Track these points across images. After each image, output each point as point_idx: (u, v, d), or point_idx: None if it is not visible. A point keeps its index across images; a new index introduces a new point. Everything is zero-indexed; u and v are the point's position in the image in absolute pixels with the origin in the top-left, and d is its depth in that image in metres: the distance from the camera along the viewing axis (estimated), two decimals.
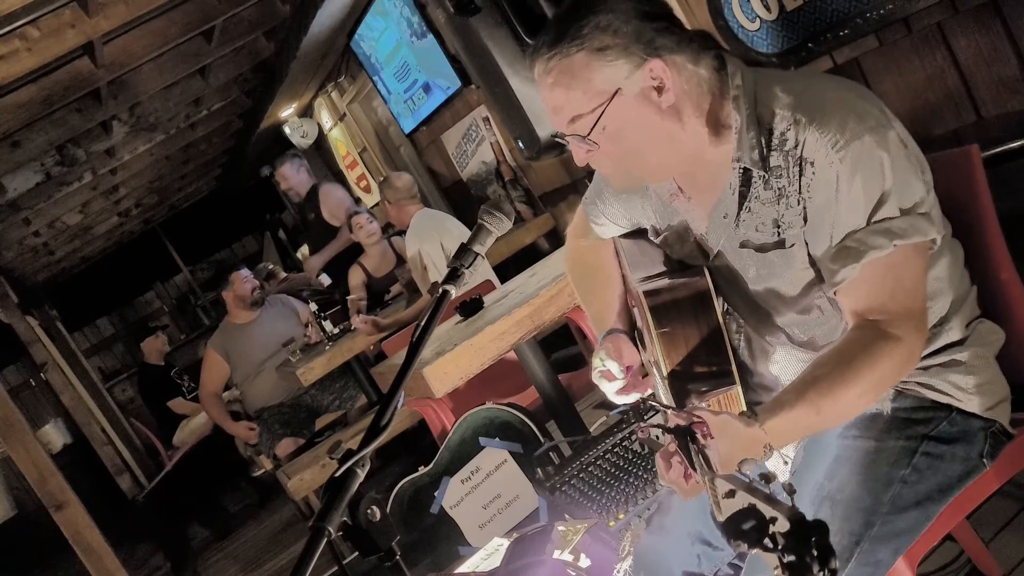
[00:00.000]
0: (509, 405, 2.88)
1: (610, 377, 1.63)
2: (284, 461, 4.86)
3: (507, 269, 4.61)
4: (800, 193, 1.37)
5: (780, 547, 0.92)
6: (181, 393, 7.98)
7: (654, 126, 1.39)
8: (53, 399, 8.22)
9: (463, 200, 5.94)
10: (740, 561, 1.64)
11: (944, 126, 2.52)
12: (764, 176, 1.40)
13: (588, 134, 1.39)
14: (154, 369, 8.17)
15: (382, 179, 4.86)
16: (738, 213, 1.45)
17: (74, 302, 10.66)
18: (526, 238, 4.98)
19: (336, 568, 1.16)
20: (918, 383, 1.45)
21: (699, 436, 1.22)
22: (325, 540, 1.08)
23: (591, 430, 2.75)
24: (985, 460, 1.46)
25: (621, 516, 2.16)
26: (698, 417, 1.26)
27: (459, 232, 4.48)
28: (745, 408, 1.51)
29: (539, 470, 2.33)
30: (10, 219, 6.04)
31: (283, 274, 7.14)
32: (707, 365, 1.50)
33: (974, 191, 1.58)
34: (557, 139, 1.46)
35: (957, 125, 2.48)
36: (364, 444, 1.15)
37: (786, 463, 1.57)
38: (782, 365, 1.57)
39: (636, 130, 1.39)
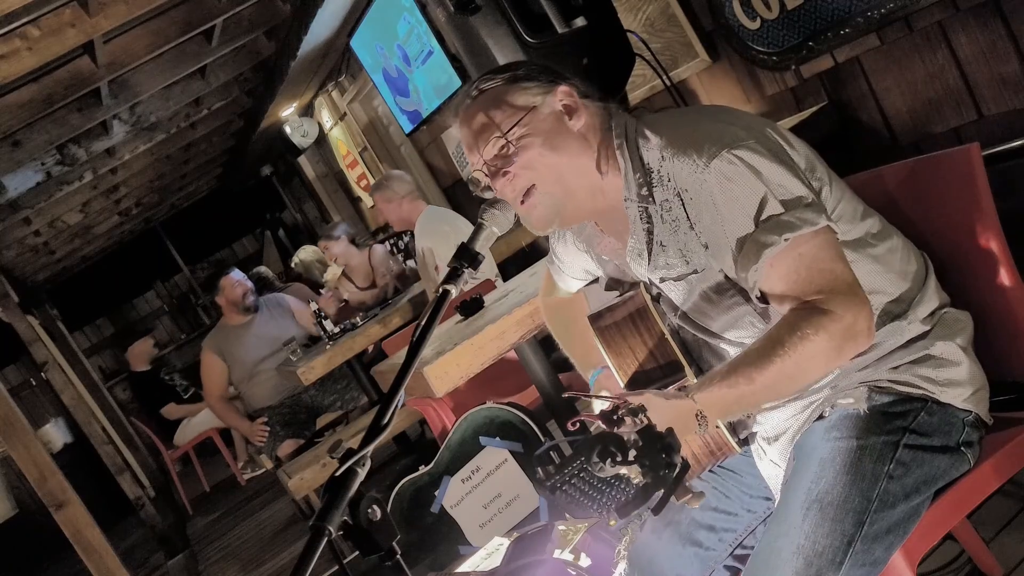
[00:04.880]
0: (510, 404, 2.87)
1: None
2: (285, 461, 4.87)
3: (507, 269, 4.61)
4: (689, 221, 1.46)
5: (637, 456, 1.25)
6: (175, 396, 7.92)
7: (568, 144, 1.52)
8: (53, 398, 8.22)
9: (464, 199, 5.94)
10: (736, 563, 1.64)
11: (945, 124, 2.52)
12: (659, 211, 1.49)
13: (507, 132, 1.50)
14: (140, 377, 8.13)
15: (375, 182, 4.66)
16: (649, 251, 1.53)
17: (75, 301, 10.66)
18: (526, 238, 4.96)
19: (336, 567, 1.16)
20: (891, 381, 1.47)
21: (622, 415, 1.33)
22: (325, 539, 1.08)
23: (591, 429, 2.74)
24: (963, 448, 1.46)
25: None
26: (620, 398, 1.38)
27: (469, 232, 4.37)
28: None
29: (539, 469, 2.32)
30: (10, 218, 6.04)
31: (279, 284, 7.12)
32: (657, 366, 1.57)
33: (974, 189, 1.58)
34: (475, 178, 1.58)
35: (958, 123, 2.49)
36: (365, 443, 1.15)
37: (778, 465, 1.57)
38: None
39: (552, 144, 1.51)
